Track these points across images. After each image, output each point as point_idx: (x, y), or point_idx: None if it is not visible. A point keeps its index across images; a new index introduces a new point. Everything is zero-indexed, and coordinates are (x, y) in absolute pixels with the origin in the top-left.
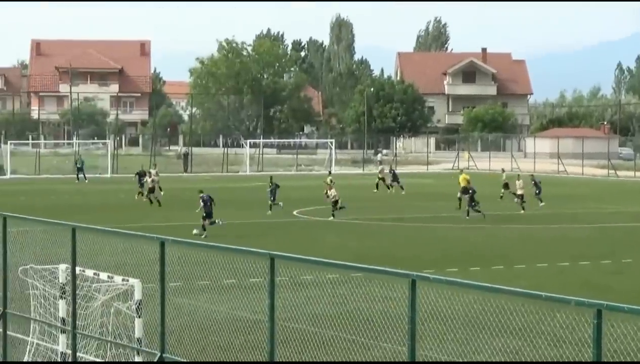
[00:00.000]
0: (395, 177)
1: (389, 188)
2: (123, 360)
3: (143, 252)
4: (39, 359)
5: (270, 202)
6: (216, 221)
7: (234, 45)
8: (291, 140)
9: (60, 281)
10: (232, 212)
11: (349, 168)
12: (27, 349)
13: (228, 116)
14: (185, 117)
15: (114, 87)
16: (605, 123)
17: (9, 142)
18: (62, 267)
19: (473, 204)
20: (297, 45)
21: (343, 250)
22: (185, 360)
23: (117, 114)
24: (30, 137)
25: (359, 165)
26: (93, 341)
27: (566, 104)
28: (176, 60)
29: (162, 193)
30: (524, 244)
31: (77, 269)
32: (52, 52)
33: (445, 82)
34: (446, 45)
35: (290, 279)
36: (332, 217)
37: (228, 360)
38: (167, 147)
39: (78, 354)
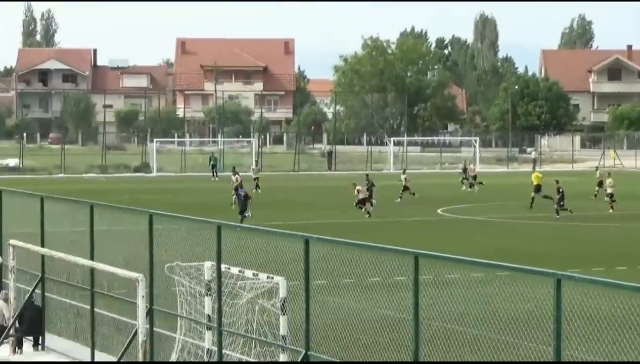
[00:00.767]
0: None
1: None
2: (268, 358)
3: (287, 250)
4: (185, 355)
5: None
6: (246, 215)
7: (378, 43)
8: (435, 138)
9: (206, 278)
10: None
11: (493, 166)
12: (174, 346)
13: (372, 113)
14: (329, 115)
15: (258, 86)
16: None
17: (155, 140)
18: (208, 265)
19: (561, 203)
20: (440, 43)
21: (487, 248)
22: (330, 358)
23: (261, 112)
24: (175, 135)
25: (503, 163)
26: (238, 338)
27: None
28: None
29: (259, 191)
30: None
31: (223, 266)
32: (197, 51)
33: (590, 80)
34: (591, 43)
35: (434, 277)
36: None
37: (373, 359)
38: (311, 145)
39: (224, 351)
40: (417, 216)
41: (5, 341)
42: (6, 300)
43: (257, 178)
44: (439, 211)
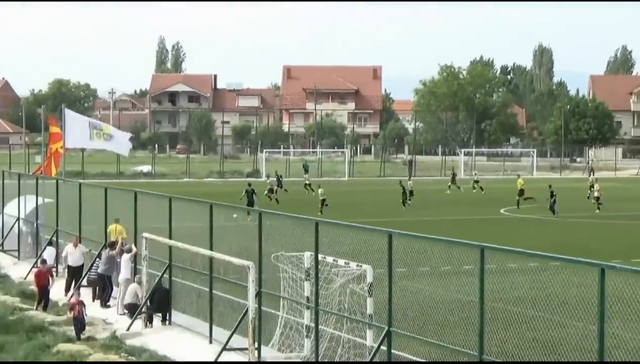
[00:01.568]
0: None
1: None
2: (356, 333)
3: (373, 243)
4: (287, 330)
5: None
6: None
7: (452, 69)
8: (499, 149)
9: (305, 266)
10: (451, 209)
11: (548, 173)
12: (278, 322)
13: (446, 129)
14: (410, 130)
15: (351, 105)
16: None
17: (264, 150)
18: (307, 255)
19: (553, 205)
20: (504, 69)
21: (544, 242)
22: (408, 333)
23: (353, 128)
24: (281, 146)
25: (556, 171)
26: (332, 316)
27: None
28: (403, 82)
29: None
30: None
31: (320, 256)
32: (300, 76)
33: (631, 100)
34: (632, 69)
35: (497, 266)
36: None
37: (445, 334)
38: (395, 155)
39: (320, 327)
40: (483, 215)
41: (138, 317)
42: (140, 283)
43: (310, 184)
44: (501, 210)
